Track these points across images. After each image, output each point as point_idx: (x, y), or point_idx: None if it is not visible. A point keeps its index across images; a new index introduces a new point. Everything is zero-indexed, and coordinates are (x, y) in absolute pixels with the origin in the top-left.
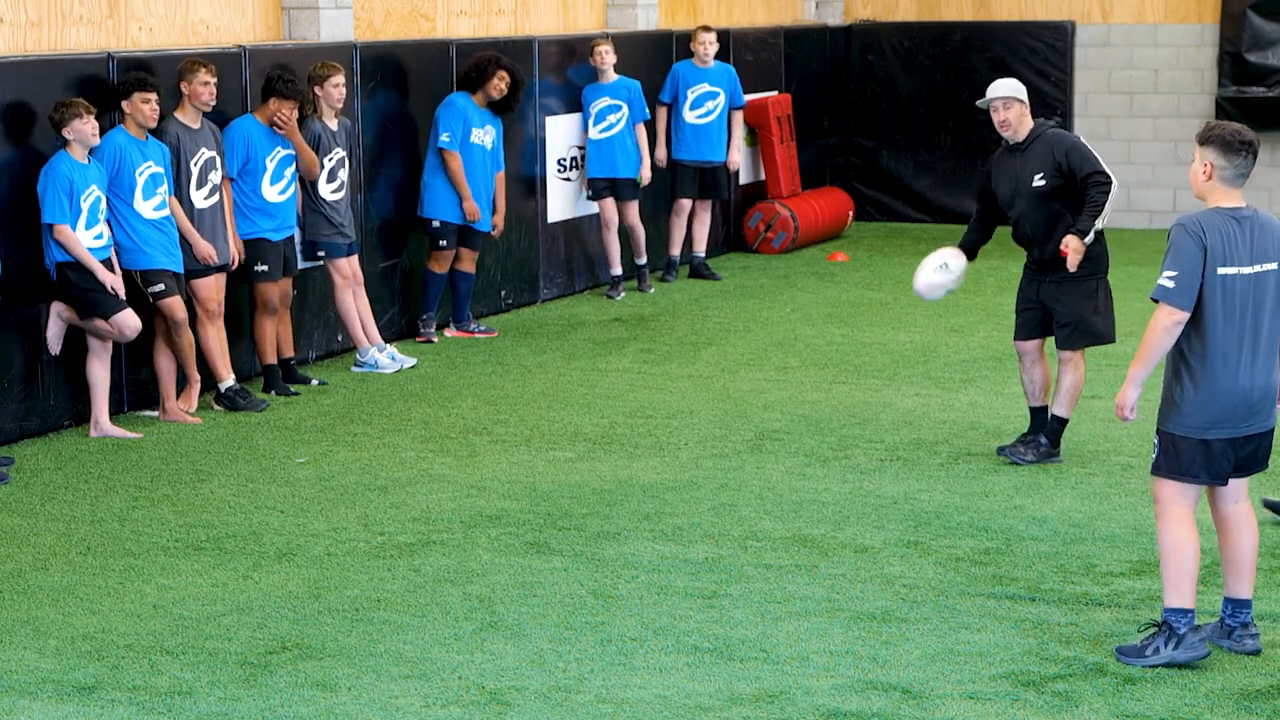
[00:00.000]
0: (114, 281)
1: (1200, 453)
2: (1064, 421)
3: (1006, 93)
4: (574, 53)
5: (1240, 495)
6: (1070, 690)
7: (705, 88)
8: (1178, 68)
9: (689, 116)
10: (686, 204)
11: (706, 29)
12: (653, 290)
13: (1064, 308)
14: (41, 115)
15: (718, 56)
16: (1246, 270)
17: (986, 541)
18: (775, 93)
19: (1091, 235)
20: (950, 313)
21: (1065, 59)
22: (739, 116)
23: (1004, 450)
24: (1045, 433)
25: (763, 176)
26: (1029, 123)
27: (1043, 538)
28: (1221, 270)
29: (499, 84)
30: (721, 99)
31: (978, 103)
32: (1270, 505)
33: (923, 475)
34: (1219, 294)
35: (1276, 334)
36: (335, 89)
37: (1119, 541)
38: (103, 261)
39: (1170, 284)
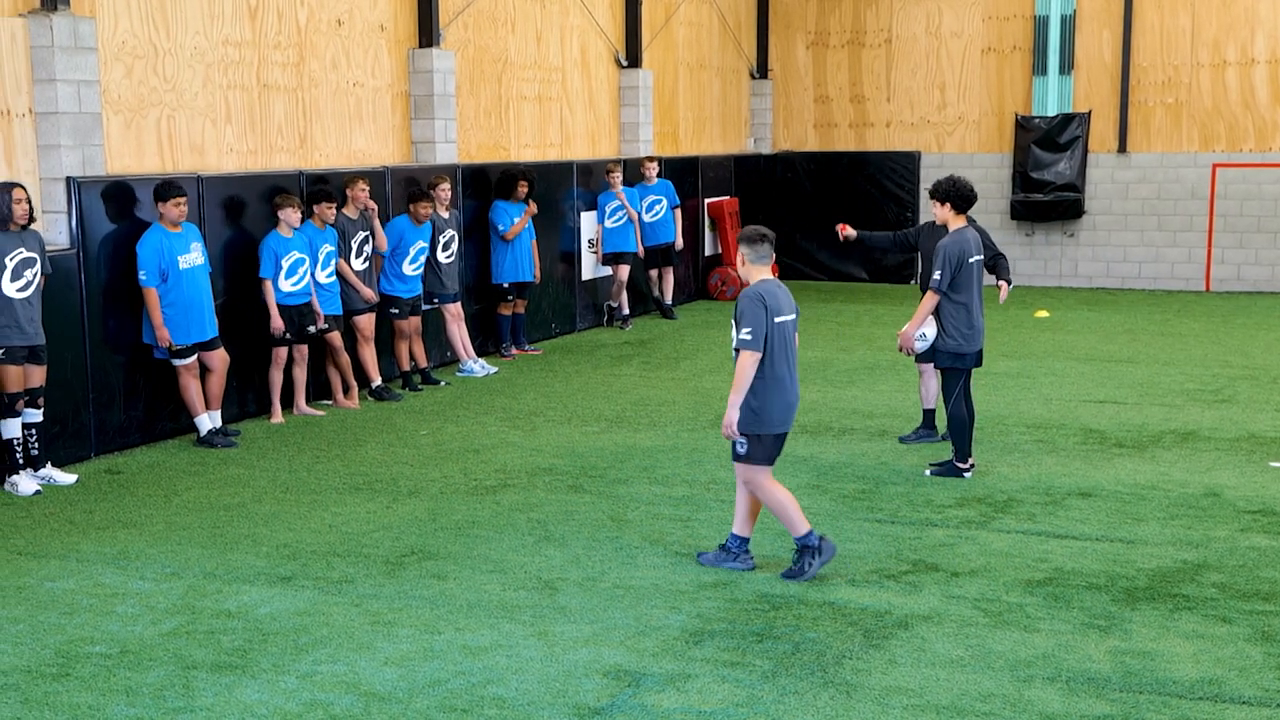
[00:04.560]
0: (277, 325)
1: (777, 444)
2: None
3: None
4: (593, 172)
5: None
6: (916, 581)
7: (652, 197)
8: (986, 181)
9: (646, 217)
10: (654, 272)
11: (651, 158)
12: (630, 328)
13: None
14: (257, 210)
15: (660, 175)
16: (789, 318)
17: (863, 485)
18: (728, 196)
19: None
20: (840, 339)
21: (914, 176)
22: (678, 212)
23: (905, 439)
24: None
25: (720, 250)
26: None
27: (899, 482)
28: (777, 319)
29: (521, 190)
30: (664, 202)
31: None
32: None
33: (822, 442)
34: (777, 336)
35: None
36: (444, 192)
37: (947, 485)
38: (303, 304)
39: (749, 337)
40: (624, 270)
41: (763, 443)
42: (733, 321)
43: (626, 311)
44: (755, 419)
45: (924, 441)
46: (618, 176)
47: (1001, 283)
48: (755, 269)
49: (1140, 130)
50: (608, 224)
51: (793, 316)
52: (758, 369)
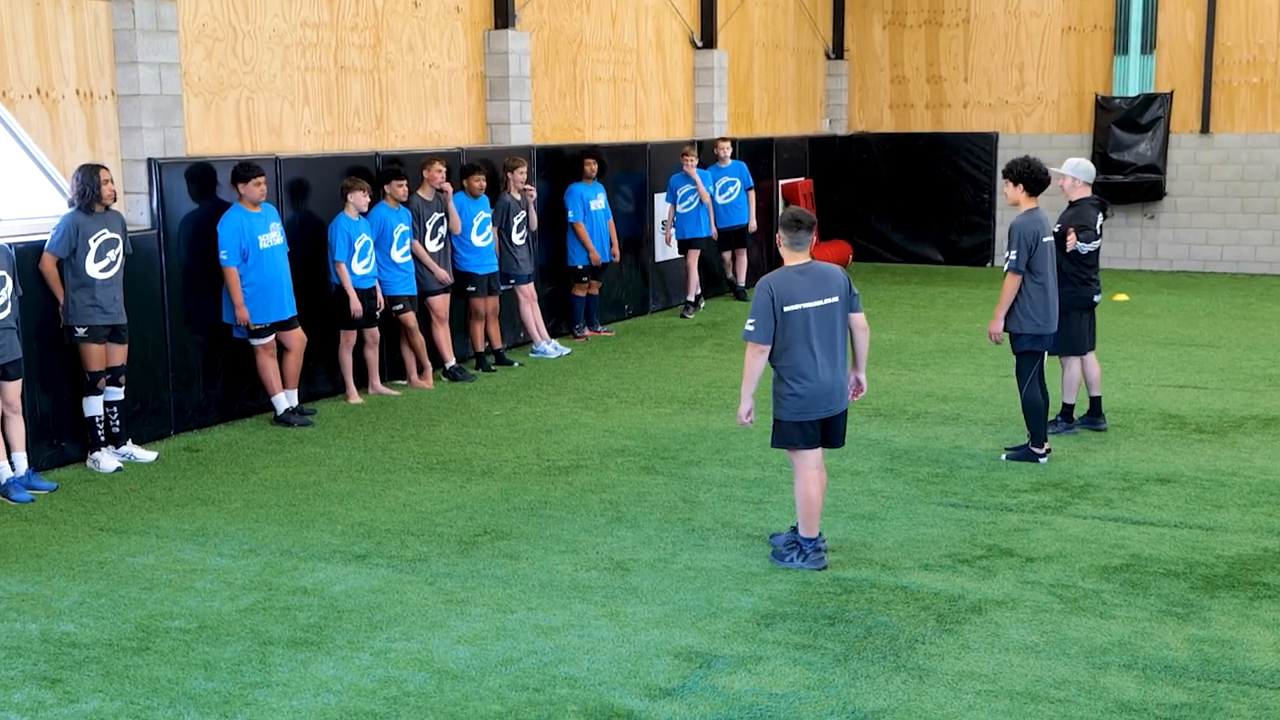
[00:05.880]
0: (356, 308)
1: (798, 430)
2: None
3: (1062, 170)
4: (667, 153)
5: (819, 461)
6: (990, 566)
7: (726, 179)
8: None
9: (719, 199)
10: (727, 254)
11: (725, 139)
12: (692, 316)
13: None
14: (334, 191)
15: (734, 156)
16: (813, 304)
17: (937, 469)
18: (803, 178)
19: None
20: (914, 321)
21: (992, 157)
22: (751, 194)
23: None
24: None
25: None
26: (1075, 193)
27: (973, 466)
28: (787, 308)
29: (590, 168)
30: (738, 184)
31: (1053, 170)
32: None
33: (896, 425)
34: (790, 324)
35: (842, 344)
36: (520, 174)
37: (1023, 469)
38: (369, 289)
39: (751, 327)
40: (694, 256)
41: (782, 428)
42: None
43: (699, 293)
44: (780, 405)
45: (1066, 433)
46: (693, 160)
47: (1071, 231)
48: (789, 254)
49: (1224, 110)
50: (679, 209)
51: (819, 303)
52: (773, 357)
